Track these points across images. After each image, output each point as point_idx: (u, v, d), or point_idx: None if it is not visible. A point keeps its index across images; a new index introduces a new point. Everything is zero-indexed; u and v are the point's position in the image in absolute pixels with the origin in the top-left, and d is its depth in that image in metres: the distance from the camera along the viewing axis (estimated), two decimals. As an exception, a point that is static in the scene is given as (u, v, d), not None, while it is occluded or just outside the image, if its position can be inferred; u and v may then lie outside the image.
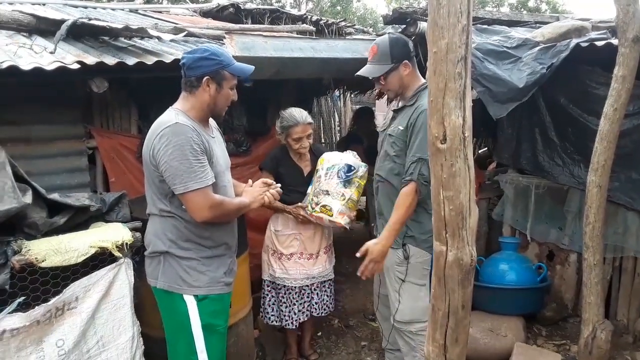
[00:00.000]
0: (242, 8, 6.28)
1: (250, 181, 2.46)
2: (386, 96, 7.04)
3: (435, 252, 1.69)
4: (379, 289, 2.83)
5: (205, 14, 6.42)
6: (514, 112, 3.41)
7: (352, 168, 2.99)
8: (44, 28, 2.99)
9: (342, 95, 7.36)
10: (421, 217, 2.45)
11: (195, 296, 2.14)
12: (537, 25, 4.37)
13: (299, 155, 3.10)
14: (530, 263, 3.77)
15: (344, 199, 2.95)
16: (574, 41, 3.22)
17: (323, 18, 7.19)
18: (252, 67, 2.22)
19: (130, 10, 5.18)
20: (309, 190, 3.00)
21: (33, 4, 3.98)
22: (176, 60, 2.76)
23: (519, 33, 3.78)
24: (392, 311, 2.61)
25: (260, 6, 6.64)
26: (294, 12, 7.06)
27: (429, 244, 2.37)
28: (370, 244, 2.40)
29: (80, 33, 3.04)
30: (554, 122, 3.78)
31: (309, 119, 3.05)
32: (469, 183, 1.60)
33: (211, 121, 2.29)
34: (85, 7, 4.72)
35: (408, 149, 2.40)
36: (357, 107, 8.06)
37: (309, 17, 6.68)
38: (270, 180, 2.41)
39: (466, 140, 1.57)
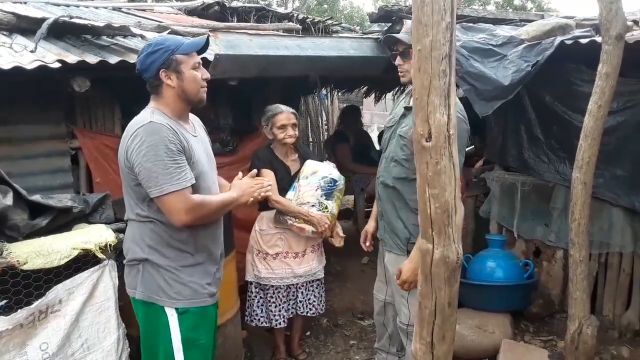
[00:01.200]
0: (228, 6, 6.25)
1: (240, 174, 2.32)
2: (373, 95, 7.09)
3: (422, 250, 1.69)
4: (379, 295, 2.83)
5: (190, 12, 6.37)
6: (499, 110, 3.43)
7: (336, 182, 3.04)
8: (24, 27, 2.93)
9: (329, 94, 7.35)
10: None
11: (176, 309, 2.01)
12: (522, 23, 4.38)
13: (285, 151, 3.08)
14: (517, 260, 3.79)
15: (327, 211, 3.01)
16: (559, 39, 3.24)
17: (309, 16, 7.19)
18: (203, 38, 2.06)
19: (114, 9, 5.11)
20: (291, 196, 3.00)
21: (14, 2, 3.91)
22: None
23: (504, 31, 3.80)
24: (399, 315, 2.59)
25: (246, 4, 6.61)
26: (281, 10, 7.03)
27: None
28: (402, 265, 2.36)
29: (62, 32, 2.98)
30: (539, 120, 3.80)
31: (293, 111, 3.10)
32: (454, 181, 1.59)
33: (195, 119, 2.22)
34: (68, 6, 4.64)
35: None
36: (344, 105, 8.06)
37: (296, 15, 6.66)
38: (259, 178, 2.34)
39: (451, 138, 1.56)
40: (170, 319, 2.00)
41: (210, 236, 2.12)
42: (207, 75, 2.08)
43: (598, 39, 3.06)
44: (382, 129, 3.15)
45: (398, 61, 2.48)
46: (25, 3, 3.96)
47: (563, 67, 3.45)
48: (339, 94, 7.75)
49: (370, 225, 2.85)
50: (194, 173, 1.98)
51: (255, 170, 2.46)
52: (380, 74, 3.86)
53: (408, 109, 2.49)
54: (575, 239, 2.87)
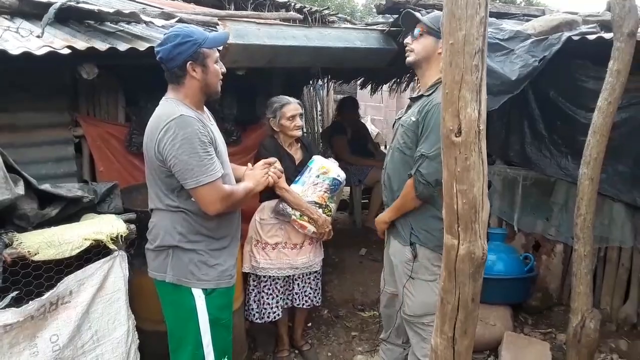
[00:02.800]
0: (225, -7, 6.18)
1: (249, 164, 2.45)
2: (369, 87, 7.06)
3: (446, 246, 1.69)
4: (385, 287, 2.83)
5: (187, -4, 6.29)
6: (503, 105, 3.43)
7: (341, 183, 3.05)
8: (27, 11, 2.86)
9: (325, 85, 7.31)
10: (428, 216, 2.41)
11: (204, 290, 2.12)
12: (525, 18, 4.39)
13: (290, 141, 3.05)
14: (518, 253, 3.82)
15: (330, 213, 3.05)
16: (566, 34, 3.24)
17: (307, 5, 7.12)
18: (226, 33, 2.14)
19: (109, -9, 5.01)
20: (298, 190, 2.96)
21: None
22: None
23: (510, 25, 3.79)
24: (402, 306, 2.60)
25: (244, -8, 6.52)
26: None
27: (436, 243, 2.39)
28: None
29: (66, 17, 2.92)
30: (542, 115, 3.83)
31: (299, 101, 3.08)
32: (482, 177, 1.59)
33: (206, 109, 2.23)
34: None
35: (419, 143, 2.36)
36: (340, 96, 8.03)
37: (293, 4, 6.60)
38: (272, 159, 2.43)
39: (481, 133, 1.56)
40: (198, 300, 2.10)
41: (233, 222, 2.23)
42: (224, 69, 2.12)
43: (605, 35, 3.08)
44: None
45: (408, 39, 2.46)
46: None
47: (568, 63, 3.47)
48: (335, 85, 7.71)
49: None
50: (220, 162, 2.05)
51: (263, 160, 2.46)
52: (385, 66, 3.84)
53: (413, 99, 2.52)
54: (581, 234, 2.90)
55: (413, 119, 2.38)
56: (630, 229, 3.46)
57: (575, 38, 3.20)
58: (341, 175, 3.06)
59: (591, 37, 3.14)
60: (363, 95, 8.64)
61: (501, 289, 3.59)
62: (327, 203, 3.00)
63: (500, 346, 3.25)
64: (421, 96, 2.45)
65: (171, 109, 1.99)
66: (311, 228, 2.96)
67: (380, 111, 10.94)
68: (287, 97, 3.03)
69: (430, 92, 2.40)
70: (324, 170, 2.98)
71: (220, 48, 2.38)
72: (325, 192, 2.98)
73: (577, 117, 3.56)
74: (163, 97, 2.10)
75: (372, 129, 8.98)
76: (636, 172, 3.37)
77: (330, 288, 4.21)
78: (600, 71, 3.26)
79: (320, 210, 2.96)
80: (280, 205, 2.95)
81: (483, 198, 1.61)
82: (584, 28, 3.41)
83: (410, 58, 2.45)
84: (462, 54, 1.50)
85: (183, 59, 1.96)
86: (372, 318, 3.83)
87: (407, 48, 2.47)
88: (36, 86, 2.86)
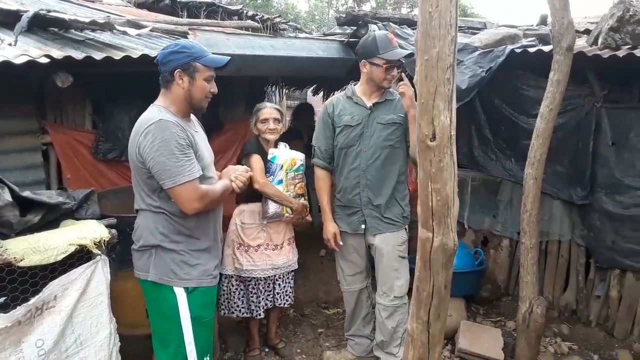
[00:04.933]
0: (178, 0, 6.19)
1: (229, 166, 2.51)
2: (322, 93, 7.27)
3: (421, 239, 1.88)
4: (354, 286, 3.11)
5: (140, 5, 6.25)
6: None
7: (304, 164, 3.19)
8: (-6, 18, 2.85)
9: (278, 91, 7.44)
10: (406, 197, 2.86)
11: (186, 288, 2.19)
12: (469, 30, 4.74)
13: (268, 142, 3.16)
14: (469, 249, 4.12)
15: (305, 198, 3.19)
16: (509, 47, 3.57)
17: (259, 13, 7.23)
18: (226, 58, 2.23)
19: (62, -1, 4.95)
20: (281, 189, 3.06)
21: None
22: (144, 56, 2.75)
23: (458, 38, 4.09)
24: (392, 291, 2.88)
25: (194, -1, 6.54)
26: (231, 7, 7.02)
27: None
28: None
29: (31, 24, 2.91)
30: (488, 121, 4.14)
31: (277, 107, 3.21)
32: (454, 177, 1.80)
33: (194, 118, 2.33)
34: (14, -6, 4.46)
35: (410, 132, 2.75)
36: (292, 102, 8.16)
37: (245, 12, 6.68)
38: (239, 167, 2.45)
39: (452, 138, 1.76)
40: (180, 299, 2.18)
41: (214, 224, 2.31)
42: (215, 90, 2.23)
43: (544, 48, 3.42)
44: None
45: (395, 72, 2.84)
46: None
47: (511, 73, 3.79)
48: (288, 91, 7.86)
49: (334, 226, 3.03)
50: (200, 165, 2.14)
51: (230, 166, 2.53)
52: (344, 75, 4.04)
53: (375, 105, 2.87)
54: (527, 228, 3.20)
55: (395, 116, 2.81)
56: (568, 224, 3.81)
57: (518, 50, 3.52)
58: (301, 156, 3.15)
59: (532, 49, 3.47)
60: (314, 101, 8.83)
61: (455, 282, 3.75)
62: (305, 189, 3.16)
63: (457, 334, 3.50)
64: (385, 100, 2.88)
65: (152, 114, 2.10)
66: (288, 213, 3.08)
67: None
68: (267, 103, 3.18)
69: (392, 96, 2.89)
70: (293, 162, 3.07)
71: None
72: (300, 181, 3.12)
73: (519, 122, 3.89)
74: (152, 104, 2.20)
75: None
76: (571, 172, 3.73)
77: (295, 288, 4.31)
78: (539, 80, 3.62)
79: (302, 199, 3.11)
80: (270, 210, 3.04)
81: (454, 196, 1.81)
82: (524, 41, 3.76)
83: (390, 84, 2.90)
84: (436, 69, 1.69)
85: (174, 65, 2.09)
86: (336, 315, 4.00)
87: (393, 78, 2.85)
88: (3, 93, 2.83)
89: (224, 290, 3.19)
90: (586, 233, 3.71)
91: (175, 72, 2.09)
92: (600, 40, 3.27)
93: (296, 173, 3.07)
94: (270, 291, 3.22)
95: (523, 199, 3.19)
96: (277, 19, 7.06)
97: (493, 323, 3.84)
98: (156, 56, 2.17)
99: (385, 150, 2.83)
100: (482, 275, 4.13)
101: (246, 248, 3.09)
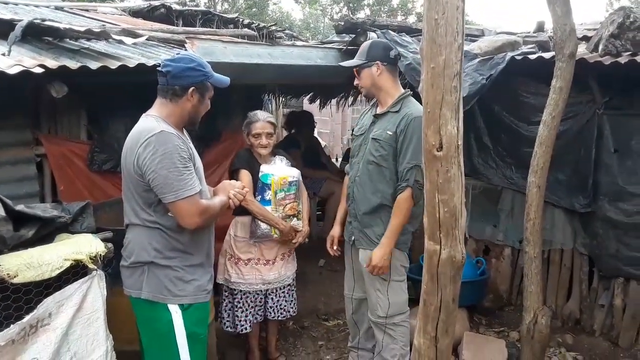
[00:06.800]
0: (174, 9, 6.15)
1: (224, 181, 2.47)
2: (318, 101, 7.24)
3: (429, 251, 1.83)
4: (352, 294, 2.97)
5: (135, 13, 6.21)
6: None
7: (299, 179, 3.12)
8: (-14, 28, 2.79)
9: (274, 99, 7.40)
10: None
11: (181, 305, 2.13)
12: (467, 37, 4.71)
13: (261, 156, 3.11)
14: (470, 258, 4.06)
15: (301, 216, 3.14)
16: (509, 54, 3.54)
17: (254, 22, 7.21)
18: (228, 79, 2.26)
19: (56, 8, 4.91)
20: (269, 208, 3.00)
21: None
22: (141, 65, 2.70)
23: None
24: (375, 310, 2.74)
25: (192, 7, 6.52)
26: (227, 15, 7.00)
27: (407, 244, 2.71)
28: (374, 252, 2.60)
29: (25, 34, 2.86)
30: (488, 128, 4.11)
31: (270, 118, 3.12)
32: (461, 187, 1.76)
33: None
34: (7, 3, 4.41)
35: (401, 156, 2.54)
36: (292, 111, 8.11)
37: (241, 20, 6.66)
38: (236, 183, 2.40)
39: (459, 148, 1.73)
40: (175, 316, 2.12)
41: (207, 238, 2.26)
42: (209, 107, 2.24)
43: (545, 55, 3.40)
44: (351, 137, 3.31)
45: (355, 81, 2.75)
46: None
47: (511, 81, 3.76)
48: (284, 99, 7.82)
49: (335, 230, 3.01)
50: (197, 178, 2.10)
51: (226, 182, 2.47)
52: (343, 82, 4.00)
53: (377, 116, 2.74)
54: (530, 237, 3.15)
55: (390, 132, 2.57)
56: (570, 232, 3.77)
57: (518, 58, 3.49)
58: (295, 173, 3.07)
59: (532, 56, 3.44)
60: (311, 109, 8.80)
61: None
62: (298, 209, 3.08)
63: (460, 346, 3.44)
64: (387, 112, 2.65)
65: (152, 125, 2.04)
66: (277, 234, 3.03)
67: (327, 124, 11.17)
68: (260, 114, 3.07)
69: (397, 108, 2.63)
70: (282, 182, 2.99)
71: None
72: (292, 201, 3.06)
73: (519, 130, 3.86)
74: (143, 114, 2.14)
75: (319, 142, 9.14)
76: (573, 179, 3.69)
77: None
78: (540, 88, 3.59)
79: (295, 220, 3.03)
80: (258, 230, 3.00)
81: (462, 207, 1.77)
82: (524, 48, 3.73)
83: (364, 92, 2.78)
84: (443, 77, 1.65)
85: (190, 82, 2.06)
86: (336, 327, 3.94)
87: (358, 85, 2.76)
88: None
89: (220, 299, 3.14)
90: (589, 241, 3.67)
91: (190, 89, 2.07)
92: (600, 47, 3.25)
93: (287, 193, 3.02)
94: (261, 305, 3.16)
95: (526, 207, 3.15)
96: (273, 27, 7.06)
97: (496, 333, 3.79)
98: (158, 65, 2.12)
99: (370, 166, 2.66)
100: (485, 285, 4.07)
101: (236, 260, 3.04)
